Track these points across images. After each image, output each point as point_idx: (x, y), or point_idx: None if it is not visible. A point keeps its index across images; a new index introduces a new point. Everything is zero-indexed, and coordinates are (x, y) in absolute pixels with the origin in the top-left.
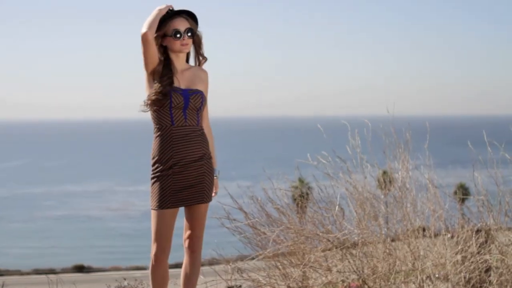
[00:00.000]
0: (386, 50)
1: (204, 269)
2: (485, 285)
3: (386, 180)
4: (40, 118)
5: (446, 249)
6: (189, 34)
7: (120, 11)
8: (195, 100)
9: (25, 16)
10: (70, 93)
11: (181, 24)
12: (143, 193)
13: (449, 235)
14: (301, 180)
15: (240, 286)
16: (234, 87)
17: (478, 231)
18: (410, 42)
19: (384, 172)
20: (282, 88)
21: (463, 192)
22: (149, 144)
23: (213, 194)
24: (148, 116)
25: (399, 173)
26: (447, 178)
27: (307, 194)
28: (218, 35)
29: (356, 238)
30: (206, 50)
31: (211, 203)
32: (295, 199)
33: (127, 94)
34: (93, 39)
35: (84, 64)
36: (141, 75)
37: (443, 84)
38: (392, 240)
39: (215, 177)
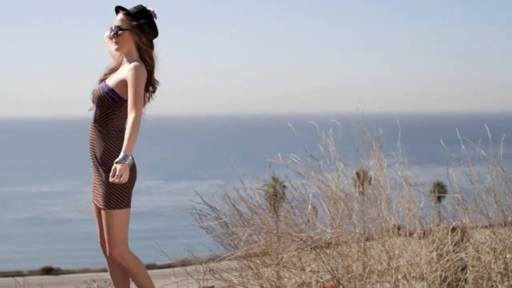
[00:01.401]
0: (357, 47)
1: (175, 269)
2: (461, 283)
3: (360, 179)
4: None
5: (421, 248)
6: (114, 32)
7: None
8: (94, 95)
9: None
10: (32, 89)
11: (114, 23)
12: None
13: (415, 235)
14: (275, 179)
15: (213, 286)
16: (205, 84)
17: (453, 229)
18: (380, 37)
19: (360, 170)
20: (254, 86)
21: (440, 190)
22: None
23: (114, 179)
24: None
25: (373, 171)
26: (424, 176)
27: (282, 193)
28: (189, 31)
29: (329, 237)
30: (175, 47)
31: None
32: (268, 198)
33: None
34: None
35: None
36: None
37: (419, 81)
38: (367, 239)
39: (123, 163)
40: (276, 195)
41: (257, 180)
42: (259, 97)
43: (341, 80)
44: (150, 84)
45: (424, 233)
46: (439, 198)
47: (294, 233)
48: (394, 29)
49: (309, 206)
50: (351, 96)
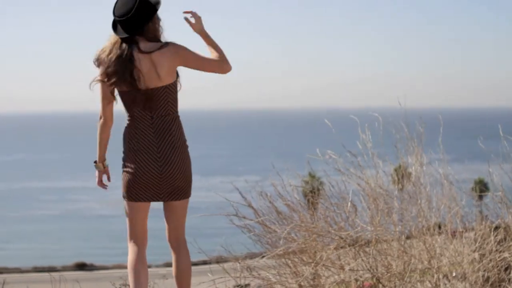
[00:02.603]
0: (392, 41)
1: (212, 266)
2: (504, 283)
3: (399, 176)
4: (36, 111)
5: (463, 247)
6: None
7: None
8: None
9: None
10: (64, 85)
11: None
12: None
13: (449, 233)
14: (311, 175)
15: (249, 284)
16: (236, 78)
17: (496, 228)
18: (417, 33)
19: (399, 167)
20: (286, 79)
21: (482, 188)
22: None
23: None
24: None
25: (413, 168)
26: (465, 173)
27: (318, 189)
28: (216, 24)
29: (369, 236)
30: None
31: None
32: (306, 195)
33: None
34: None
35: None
36: None
37: (454, 75)
38: (407, 238)
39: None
40: (314, 191)
41: (295, 176)
42: (294, 91)
43: (379, 75)
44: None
45: (460, 232)
46: (480, 196)
47: (333, 231)
48: (431, 23)
49: (349, 204)
50: (389, 91)
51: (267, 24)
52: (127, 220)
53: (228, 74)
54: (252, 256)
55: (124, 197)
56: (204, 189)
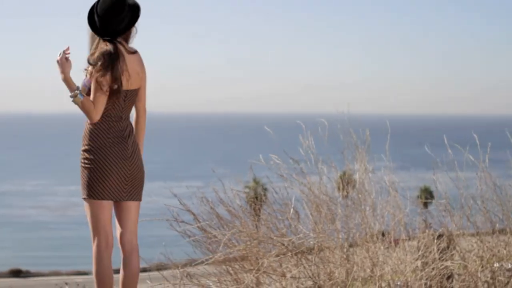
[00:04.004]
0: (346, 46)
1: (151, 274)
2: None
3: (344, 182)
4: None
5: (406, 255)
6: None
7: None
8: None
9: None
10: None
11: None
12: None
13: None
14: (256, 181)
15: None
16: (182, 82)
17: (439, 236)
18: (374, 37)
19: (344, 174)
20: (232, 84)
21: (427, 196)
22: None
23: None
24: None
25: (357, 175)
26: (410, 181)
27: (262, 196)
28: (162, 27)
29: (312, 243)
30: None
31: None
32: (249, 201)
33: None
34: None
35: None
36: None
37: (409, 82)
38: (350, 245)
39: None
40: (257, 197)
41: (238, 182)
42: (240, 95)
43: (328, 80)
44: None
45: (403, 240)
46: (425, 204)
47: (275, 238)
48: (383, 28)
49: (291, 210)
50: (338, 96)
51: (219, 27)
52: (89, 221)
53: (179, 77)
54: (192, 262)
55: (89, 196)
56: (143, 194)
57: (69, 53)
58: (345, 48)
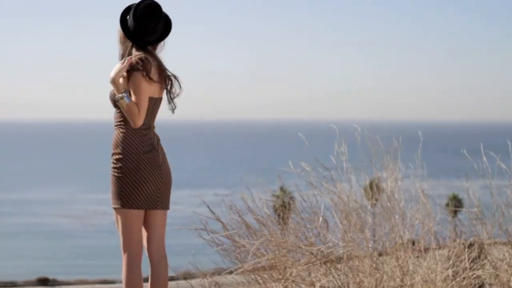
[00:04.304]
0: (374, 51)
1: (179, 282)
2: None
3: (373, 190)
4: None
5: (437, 264)
6: None
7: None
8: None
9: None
10: (25, 90)
11: None
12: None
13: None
14: (283, 190)
15: None
16: (209, 88)
17: (470, 245)
18: (401, 43)
19: (372, 182)
20: (259, 91)
21: (456, 203)
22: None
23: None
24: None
25: (388, 182)
26: (439, 188)
27: (289, 204)
28: (195, 33)
29: (341, 252)
30: (170, 47)
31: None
32: (276, 210)
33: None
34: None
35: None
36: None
37: (438, 89)
38: (380, 254)
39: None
40: (285, 206)
41: (265, 190)
42: (266, 102)
43: (358, 87)
44: None
45: (434, 249)
46: (455, 212)
47: (304, 247)
48: (414, 35)
49: (320, 218)
50: (367, 103)
51: (244, 33)
52: (121, 231)
53: (191, 83)
54: (220, 272)
55: (122, 205)
56: (171, 202)
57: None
58: (369, 56)
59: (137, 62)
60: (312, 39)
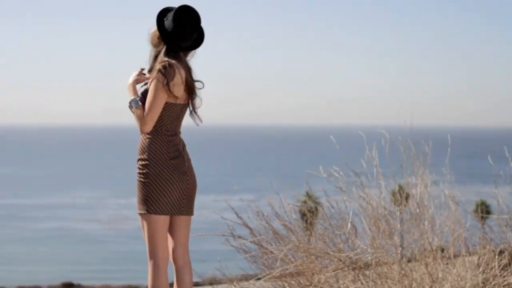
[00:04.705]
0: (399, 56)
1: None
2: None
3: (402, 196)
4: (27, 123)
5: (466, 271)
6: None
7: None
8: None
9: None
10: (56, 97)
11: None
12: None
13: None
14: (308, 195)
15: None
16: (233, 93)
17: (501, 252)
18: (426, 47)
19: (400, 187)
20: (285, 94)
21: (484, 209)
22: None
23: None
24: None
25: (417, 189)
26: (467, 194)
27: (316, 209)
28: (219, 37)
29: (369, 258)
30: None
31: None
32: (303, 215)
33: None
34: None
35: (82, 67)
36: None
37: (463, 93)
38: (408, 261)
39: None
40: (313, 212)
41: (292, 196)
42: (291, 107)
43: (383, 91)
44: None
45: (463, 255)
46: (483, 219)
47: (331, 253)
48: (439, 36)
49: (349, 224)
50: (395, 108)
51: (266, 38)
52: (147, 236)
53: (222, 88)
54: (247, 278)
55: (148, 211)
56: (196, 207)
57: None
58: (400, 60)
59: (159, 70)
60: (335, 42)
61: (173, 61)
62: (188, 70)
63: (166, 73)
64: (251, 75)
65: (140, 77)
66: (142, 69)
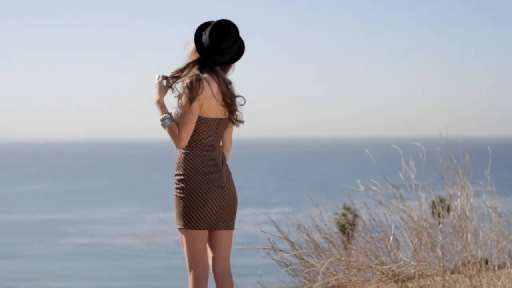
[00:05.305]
0: (430, 66)
1: None
2: None
3: (442, 208)
4: (61, 139)
5: None
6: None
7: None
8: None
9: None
10: (91, 113)
11: None
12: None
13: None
14: (346, 207)
15: None
16: (268, 106)
17: None
18: (459, 56)
19: (441, 200)
20: (319, 107)
21: None
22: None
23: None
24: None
25: (458, 200)
26: (509, 205)
27: (353, 222)
28: (261, 50)
29: (412, 270)
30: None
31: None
32: (343, 228)
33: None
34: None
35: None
36: None
37: (499, 102)
38: (452, 273)
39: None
40: (354, 225)
41: (331, 208)
42: (327, 119)
43: (414, 101)
44: None
45: (508, 268)
46: None
47: (374, 266)
48: (472, 46)
49: (391, 237)
50: (427, 119)
51: (295, 50)
52: (186, 251)
53: (255, 102)
54: None
55: (185, 226)
56: (236, 220)
57: (165, 79)
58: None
59: (186, 85)
60: (365, 51)
61: (204, 75)
62: (225, 84)
63: (192, 88)
64: (282, 88)
65: (163, 87)
66: (164, 77)
